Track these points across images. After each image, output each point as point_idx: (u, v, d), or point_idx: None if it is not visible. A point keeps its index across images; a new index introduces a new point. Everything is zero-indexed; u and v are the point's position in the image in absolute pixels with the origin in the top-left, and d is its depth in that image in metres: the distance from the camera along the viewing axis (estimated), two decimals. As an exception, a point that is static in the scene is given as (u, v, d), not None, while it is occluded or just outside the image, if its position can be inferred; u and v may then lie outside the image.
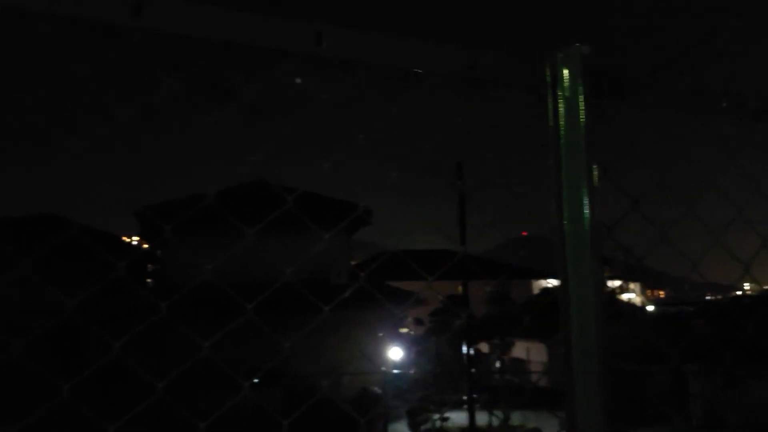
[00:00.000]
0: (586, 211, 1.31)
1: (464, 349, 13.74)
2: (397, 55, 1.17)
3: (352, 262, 14.83)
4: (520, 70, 1.39)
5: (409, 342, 15.02)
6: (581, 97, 1.31)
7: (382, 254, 15.52)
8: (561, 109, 1.32)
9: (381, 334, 13.06)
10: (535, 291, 25.23)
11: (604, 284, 1.29)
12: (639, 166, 1.40)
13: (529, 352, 16.87)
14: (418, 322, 15.79)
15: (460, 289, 18.14)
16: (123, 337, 0.91)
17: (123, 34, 1.06)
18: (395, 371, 13.28)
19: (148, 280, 14.09)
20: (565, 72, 1.34)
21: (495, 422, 11.47)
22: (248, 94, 1.11)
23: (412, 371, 14.22)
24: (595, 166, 1.31)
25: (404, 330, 15.90)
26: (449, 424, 11.65)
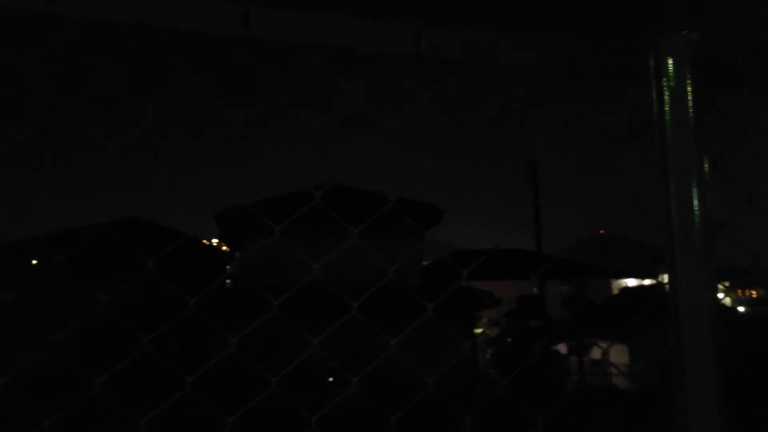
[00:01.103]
0: (696, 206, 1.25)
1: (541, 350, 13.43)
2: (496, 53, 1.16)
3: (424, 263, 14.81)
4: (620, 60, 1.34)
5: (484, 343, 14.85)
6: (689, 87, 1.26)
7: (456, 254, 15.41)
8: (666, 99, 1.27)
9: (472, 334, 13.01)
10: (615, 291, 24.36)
11: (717, 283, 1.23)
12: (753, 158, 1.32)
13: (609, 353, 16.30)
14: (493, 323, 15.60)
15: (535, 289, 17.76)
16: (239, 334, 0.96)
17: (231, 43, 1.10)
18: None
19: (227, 281, 14.61)
20: (670, 60, 1.28)
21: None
22: (353, 100, 1.13)
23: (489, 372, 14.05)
24: (704, 159, 1.25)
25: (479, 331, 15.75)
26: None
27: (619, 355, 16.37)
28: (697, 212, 1.22)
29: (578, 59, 1.26)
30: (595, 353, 16.23)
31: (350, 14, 1.13)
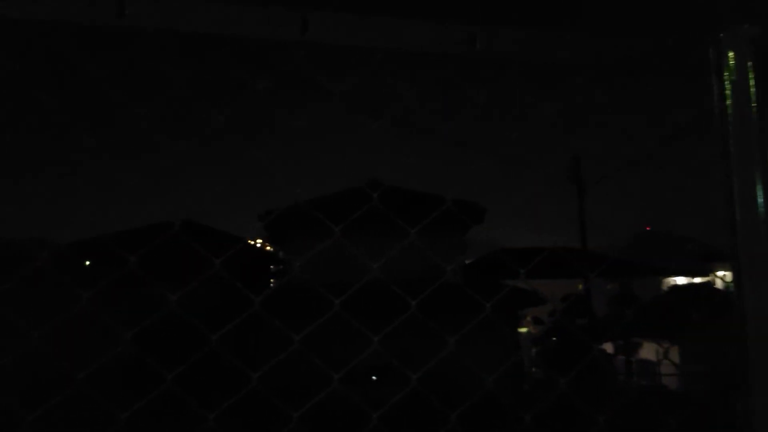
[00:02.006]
0: (761, 201, 1.22)
1: (588, 349, 13.20)
2: (555, 51, 1.16)
3: (466, 261, 14.72)
4: (677, 55, 1.32)
5: (528, 342, 14.69)
6: (751, 80, 1.23)
7: (498, 252, 15.27)
8: (728, 93, 1.25)
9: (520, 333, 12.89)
10: (664, 289, 23.70)
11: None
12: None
13: (658, 353, 15.89)
14: (537, 321, 15.40)
15: (580, 286, 17.44)
16: (302, 332, 0.99)
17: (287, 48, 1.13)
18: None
19: (272, 281, 14.84)
20: (731, 54, 1.26)
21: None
22: (402, 102, 1.15)
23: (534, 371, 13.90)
24: (768, 153, 1.22)
25: (523, 330, 15.58)
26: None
27: (670, 355, 15.93)
28: (761, 208, 1.19)
29: (632, 56, 1.25)
30: (645, 353, 15.84)
31: (402, 17, 1.14)
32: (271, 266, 14.70)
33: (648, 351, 15.75)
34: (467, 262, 14.43)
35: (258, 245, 16.29)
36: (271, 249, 15.10)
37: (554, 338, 14.68)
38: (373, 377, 11.90)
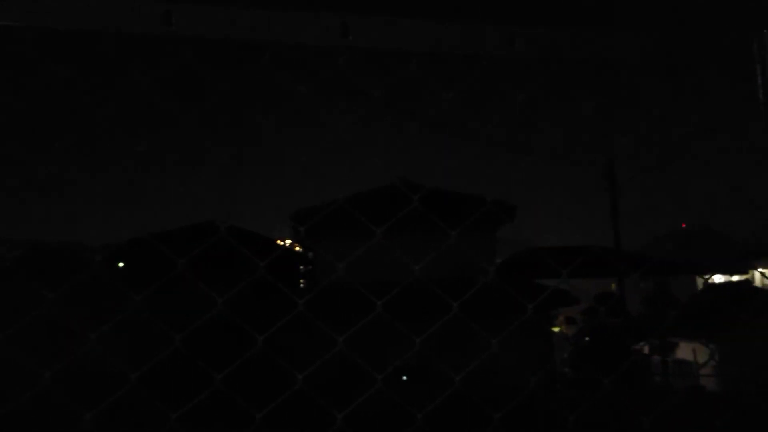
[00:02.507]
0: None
1: (623, 349, 13.02)
2: (593, 47, 1.16)
3: (498, 260, 14.62)
4: (720, 51, 1.30)
5: (561, 342, 14.55)
6: (798, 74, 1.21)
7: (529, 252, 15.13)
8: (773, 88, 1.23)
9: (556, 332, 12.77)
10: (700, 287, 23.19)
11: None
12: None
13: (695, 353, 15.55)
14: (570, 320, 15.22)
15: (613, 286, 17.17)
16: (347, 332, 1.01)
17: (330, 53, 1.15)
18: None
19: (301, 281, 14.96)
20: (776, 49, 1.24)
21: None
22: (441, 105, 1.16)
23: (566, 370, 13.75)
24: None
25: (556, 329, 15.42)
26: None
27: (705, 354, 15.60)
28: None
29: (678, 52, 1.24)
30: (682, 353, 15.52)
31: (441, 21, 1.15)
32: (301, 267, 14.82)
33: (685, 351, 15.44)
34: (498, 261, 14.34)
35: (287, 245, 16.45)
36: (300, 249, 15.22)
37: (587, 338, 14.48)
38: (404, 377, 11.92)
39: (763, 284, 16.23)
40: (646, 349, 15.41)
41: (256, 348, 1.08)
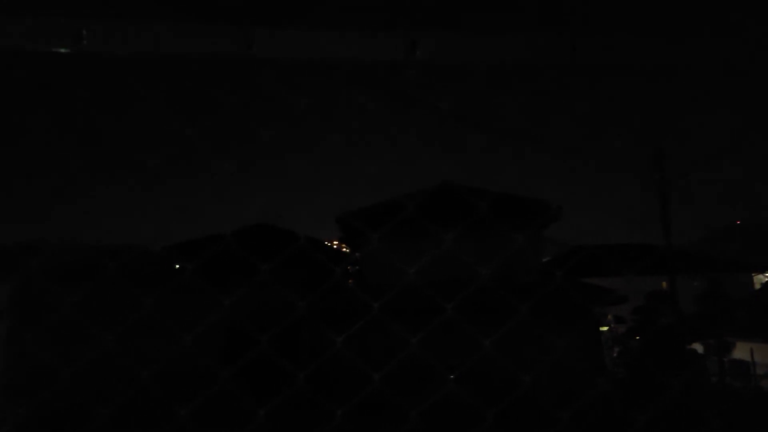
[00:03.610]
0: None
1: (675, 348, 12.69)
2: (659, 55, 1.19)
3: (544, 260, 14.46)
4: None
5: (610, 341, 14.26)
6: None
7: (576, 250, 14.91)
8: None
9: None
10: (757, 286, 22.36)
11: None
12: None
13: (753, 353, 15.03)
14: (619, 320, 14.92)
15: (664, 284, 16.74)
16: (416, 332, 1.06)
17: (396, 69, 1.23)
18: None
19: (350, 281, 15.14)
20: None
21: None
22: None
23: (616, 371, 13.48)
24: None
25: (604, 328, 15.14)
26: None
27: (765, 355, 15.04)
28: None
29: (738, 57, 1.26)
30: (738, 352, 15.03)
31: (502, 33, 1.21)
32: (348, 267, 15.00)
33: (742, 351, 14.95)
34: (545, 260, 14.18)
35: (335, 246, 16.67)
36: (347, 250, 15.42)
37: (638, 337, 14.16)
38: (452, 376, 11.94)
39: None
40: (700, 349, 14.98)
41: (336, 348, 1.15)
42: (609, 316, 15.85)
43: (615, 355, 14.36)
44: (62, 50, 1.22)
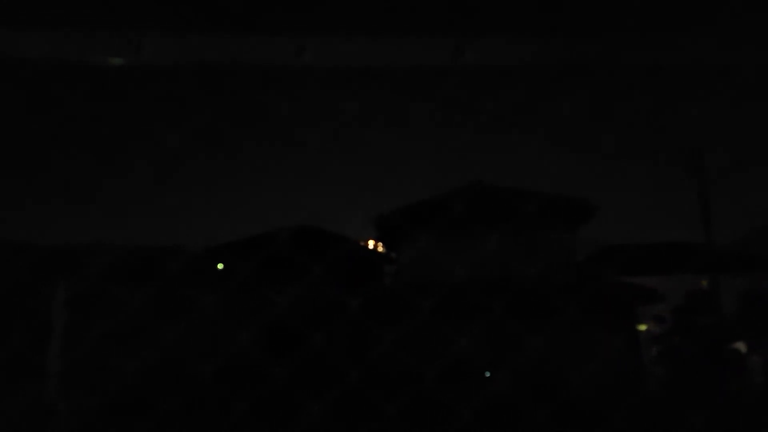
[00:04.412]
0: None
1: (715, 348, 12.51)
2: (705, 52, 1.37)
3: (580, 259, 14.42)
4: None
5: (648, 341, 14.11)
6: None
7: (614, 249, 14.79)
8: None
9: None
10: (802, 285, 21.66)
11: None
12: None
13: (798, 354, 14.66)
14: (659, 319, 14.74)
15: (704, 283, 16.47)
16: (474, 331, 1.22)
17: (443, 73, 1.44)
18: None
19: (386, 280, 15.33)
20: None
21: None
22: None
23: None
24: None
25: (642, 328, 14.99)
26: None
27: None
28: None
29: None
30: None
31: (542, 35, 1.41)
32: (385, 266, 15.20)
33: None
34: (580, 259, 14.14)
35: (372, 247, 16.92)
36: (384, 250, 15.62)
37: (677, 337, 13.98)
38: (487, 374, 12.03)
39: None
40: (742, 348, 14.71)
41: (386, 345, 1.31)
42: (648, 316, 15.66)
43: (654, 355, 14.21)
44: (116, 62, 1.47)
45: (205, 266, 11.94)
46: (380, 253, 15.57)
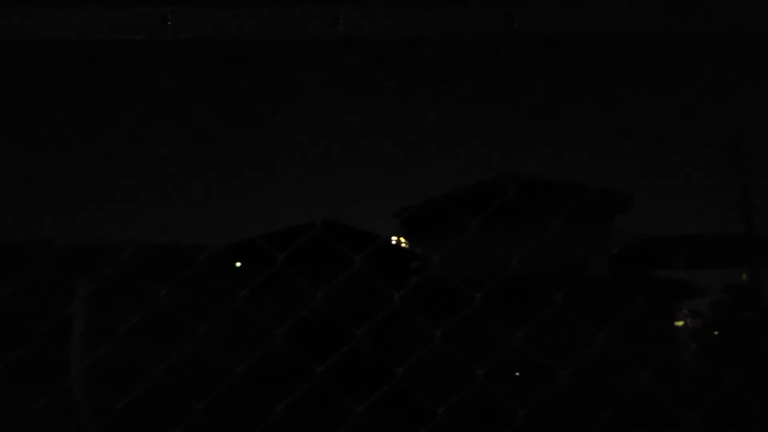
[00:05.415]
0: None
1: (760, 343, 12.01)
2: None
3: (614, 251, 13.97)
4: None
5: (686, 337, 13.66)
6: None
7: (647, 242, 14.33)
8: None
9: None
10: None
11: None
12: None
13: None
14: (696, 314, 14.26)
15: (744, 276, 15.87)
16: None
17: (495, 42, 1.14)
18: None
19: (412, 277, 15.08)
20: None
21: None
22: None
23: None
24: None
25: (679, 323, 14.51)
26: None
27: None
28: None
29: None
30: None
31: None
32: (410, 263, 14.95)
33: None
34: (614, 252, 13.69)
35: (395, 242, 16.66)
36: (408, 246, 15.36)
37: (716, 332, 13.49)
38: (516, 373, 11.68)
39: None
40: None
41: (434, 341, 1.09)
42: (684, 311, 15.16)
43: (692, 351, 13.75)
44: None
45: (229, 262, 11.84)
46: (405, 248, 15.31)
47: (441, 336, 1.25)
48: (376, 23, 1.08)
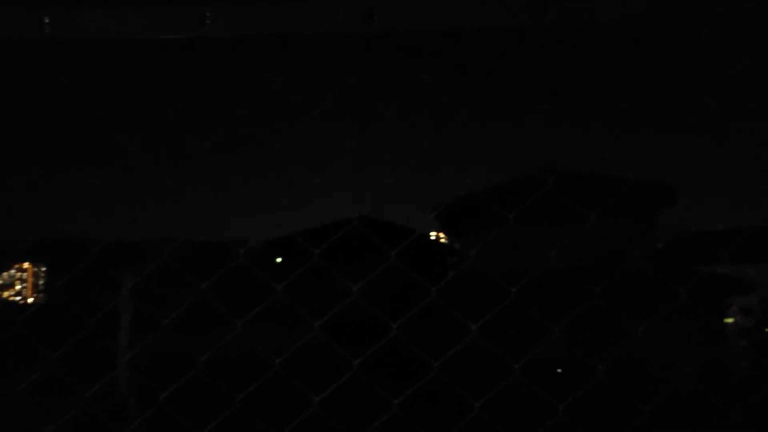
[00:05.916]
0: None
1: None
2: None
3: (659, 246, 13.61)
4: None
5: (736, 333, 13.22)
6: None
7: (693, 236, 13.92)
8: None
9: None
10: None
11: None
12: None
13: None
14: (746, 311, 13.80)
15: (797, 272, 15.28)
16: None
17: (529, 34, 1.12)
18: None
19: (449, 272, 15.02)
20: None
21: None
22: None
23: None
24: None
25: (729, 320, 14.07)
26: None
27: None
28: None
29: None
30: None
31: None
32: (447, 258, 14.88)
33: None
34: (659, 247, 13.34)
35: (434, 237, 16.61)
36: (446, 241, 15.29)
37: (767, 329, 13.05)
38: (558, 370, 11.55)
39: None
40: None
41: (471, 336, 1.09)
42: (734, 307, 14.69)
43: (742, 348, 13.32)
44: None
45: (269, 258, 12.01)
46: (443, 243, 15.27)
47: (477, 330, 1.25)
48: (408, 17, 1.08)
